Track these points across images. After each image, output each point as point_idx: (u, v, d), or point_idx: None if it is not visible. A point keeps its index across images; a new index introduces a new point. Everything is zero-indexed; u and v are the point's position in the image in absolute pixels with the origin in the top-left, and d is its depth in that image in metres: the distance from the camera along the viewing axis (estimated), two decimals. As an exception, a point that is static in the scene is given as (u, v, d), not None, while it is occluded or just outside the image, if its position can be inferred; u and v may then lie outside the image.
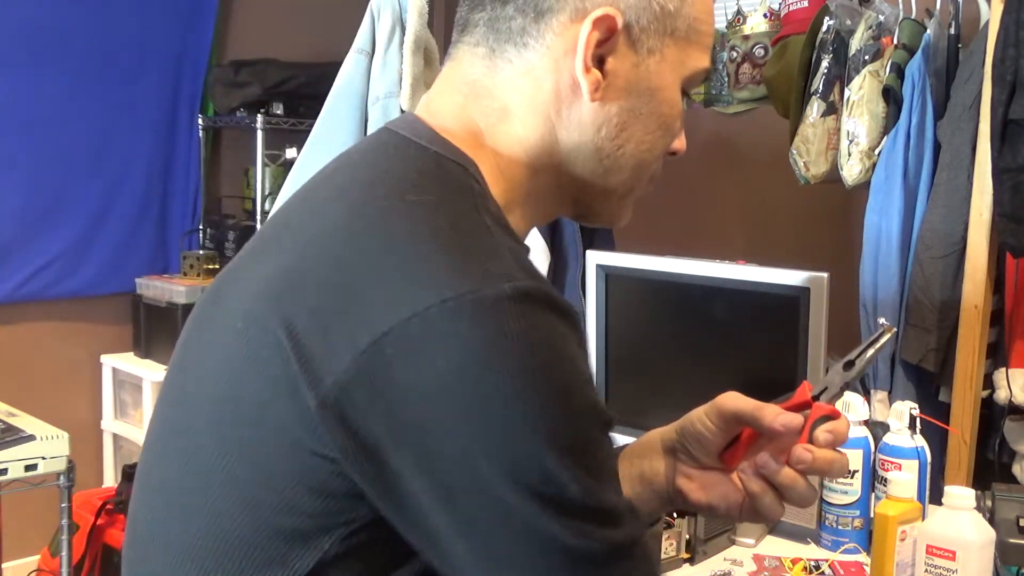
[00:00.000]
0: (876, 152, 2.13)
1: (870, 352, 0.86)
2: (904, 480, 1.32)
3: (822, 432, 0.83)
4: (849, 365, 0.86)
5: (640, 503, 0.90)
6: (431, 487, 0.61)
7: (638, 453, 0.92)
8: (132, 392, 3.22)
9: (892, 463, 1.48)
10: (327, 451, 0.62)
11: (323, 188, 0.75)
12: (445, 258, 0.64)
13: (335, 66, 2.47)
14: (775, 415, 0.84)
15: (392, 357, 0.61)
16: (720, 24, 2.82)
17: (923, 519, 1.34)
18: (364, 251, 0.66)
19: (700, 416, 0.87)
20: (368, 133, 2.20)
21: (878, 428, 1.59)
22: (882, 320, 0.97)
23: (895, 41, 2.14)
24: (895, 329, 0.86)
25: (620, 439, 1.44)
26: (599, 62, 0.76)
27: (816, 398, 0.85)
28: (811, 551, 1.53)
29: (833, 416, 0.84)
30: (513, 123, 0.78)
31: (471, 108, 0.79)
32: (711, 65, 0.83)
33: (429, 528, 0.63)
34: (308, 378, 0.63)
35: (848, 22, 2.24)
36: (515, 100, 0.78)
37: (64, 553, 2.18)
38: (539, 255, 2.22)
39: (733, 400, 0.86)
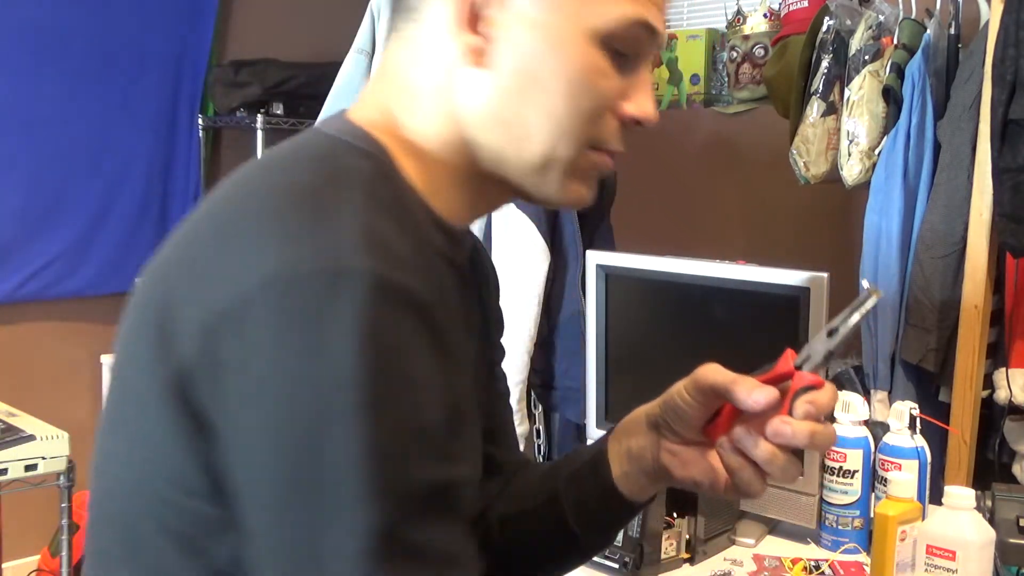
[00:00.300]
0: (876, 152, 2.13)
1: (855, 318, 0.80)
2: (904, 480, 1.32)
3: (801, 403, 0.77)
4: (833, 332, 0.80)
5: (629, 483, 0.87)
6: (241, 468, 0.61)
7: (626, 430, 0.89)
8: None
9: (892, 463, 1.48)
10: (177, 437, 0.63)
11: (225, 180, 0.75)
12: (280, 235, 0.61)
13: (335, 66, 2.47)
14: (749, 389, 0.79)
15: (222, 337, 0.60)
16: (720, 24, 2.82)
17: (923, 519, 1.34)
18: (212, 229, 0.66)
19: (680, 390, 0.84)
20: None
21: (878, 428, 1.59)
22: (865, 282, 0.86)
23: (895, 41, 2.14)
24: (881, 292, 0.80)
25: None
26: (478, 23, 0.72)
27: (799, 367, 0.80)
28: (811, 551, 1.53)
29: (816, 386, 0.78)
30: (418, 103, 0.75)
31: (386, 93, 0.77)
32: (647, 17, 0.73)
33: (242, 514, 0.62)
34: (163, 356, 0.63)
35: (848, 22, 2.24)
36: (416, 78, 0.75)
37: (64, 553, 2.18)
38: (539, 255, 2.22)
39: (711, 372, 0.82)
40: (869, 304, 0.80)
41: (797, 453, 0.79)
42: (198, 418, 0.62)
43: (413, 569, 0.61)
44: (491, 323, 0.95)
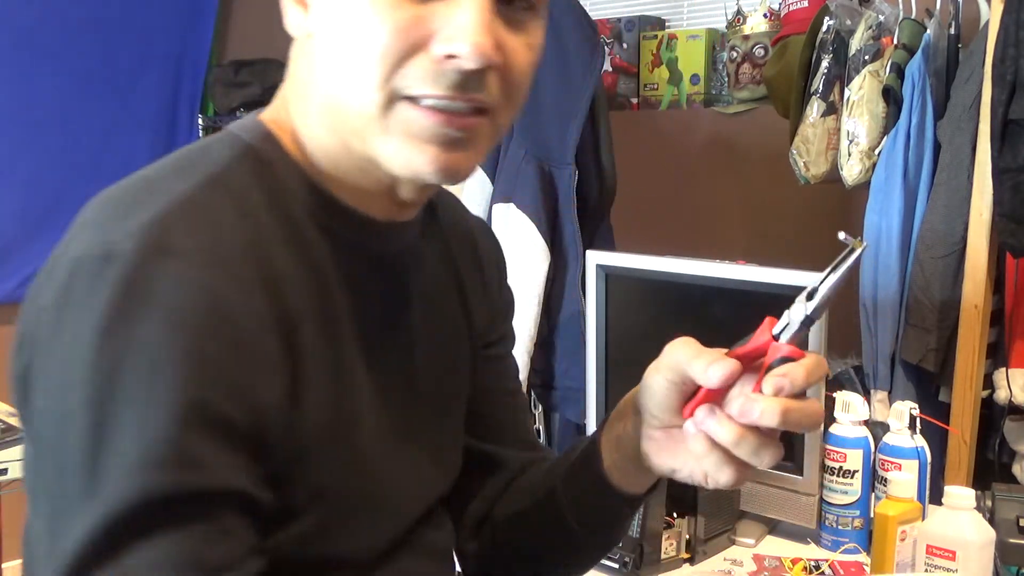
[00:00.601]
0: (876, 152, 2.13)
1: (834, 277, 0.70)
2: (904, 480, 1.32)
3: (772, 377, 0.68)
4: (813, 294, 0.71)
5: (619, 472, 0.81)
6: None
7: (617, 415, 0.83)
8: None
9: (892, 463, 1.48)
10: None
11: None
12: (89, 227, 0.65)
13: (335, 66, 2.46)
14: (706, 364, 0.70)
15: (39, 328, 0.63)
16: (720, 24, 2.82)
17: (923, 519, 1.34)
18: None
19: (651, 370, 0.76)
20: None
21: (878, 428, 1.59)
22: (841, 234, 0.71)
23: (895, 41, 2.14)
24: (866, 243, 0.70)
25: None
26: None
27: (777, 337, 0.71)
28: (811, 551, 1.53)
29: (793, 358, 0.70)
30: (295, 86, 0.74)
31: (286, 85, 0.77)
32: None
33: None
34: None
35: (848, 22, 2.24)
36: (293, 59, 0.75)
37: (64, 553, 2.18)
38: (539, 255, 2.22)
39: (676, 348, 0.73)
40: (851, 259, 0.70)
41: (787, 434, 0.70)
42: (26, 402, 0.65)
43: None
44: (483, 323, 0.91)
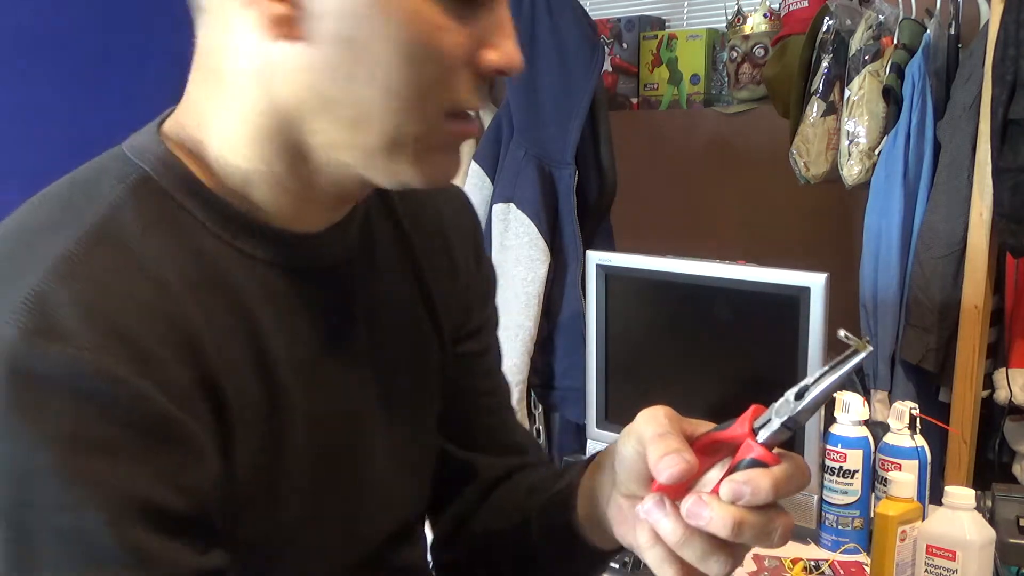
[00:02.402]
0: (876, 152, 2.13)
1: (830, 379, 0.61)
2: (904, 480, 1.32)
3: (731, 482, 0.60)
4: (802, 393, 0.62)
5: (591, 526, 0.74)
6: None
7: (598, 464, 0.75)
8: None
9: (892, 463, 1.48)
10: None
11: None
12: None
13: (335, 66, 2.46)
14: (660, 454, 0.61)
15: None
16: (720, 24, 2.82)
17: (923, 519, 1.34)
18: None
19: (624, 431, 0.67)
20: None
21: (878, 428, 1.59)
22: (842, 332, 0.61)
23: (895, 41, 2.14)
24: (871, 347, 0.60)
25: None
26: None
27: (756, 431, 0.62)
28: (811, 551, 1.53)
29: (764, 462, 0.60)
30: (226, 92, 0.64)
31: (197, 87, 0.67)
32: None
33: None
34: None
35: (848, 22, 2.24)
36: (221, 60, 0.64)
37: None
38: (539, 255, 2.22)
39: (644, 421, 0.65)
40: (853, 362, 0.61)
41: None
42: None
43: None
44: (454, 312, 0.83)
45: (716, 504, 0.60)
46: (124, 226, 0.61)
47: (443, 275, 0.83)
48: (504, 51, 0.63)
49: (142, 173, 0.65)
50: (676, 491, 0.63)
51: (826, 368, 0.61)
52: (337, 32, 0.60)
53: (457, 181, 0.75)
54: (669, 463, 0.61)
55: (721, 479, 0.61)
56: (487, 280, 0.89)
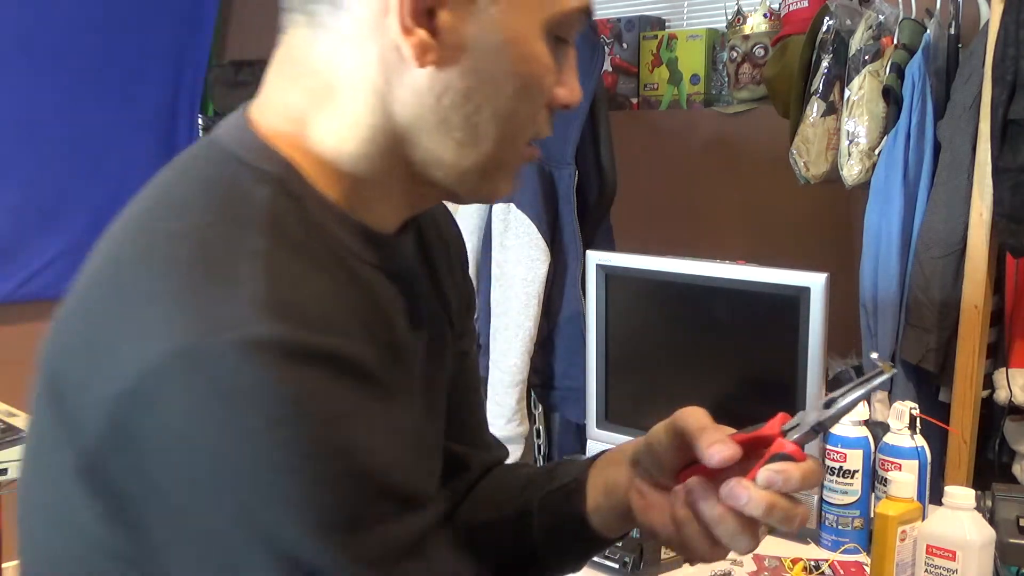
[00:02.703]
0: (876, 152, 2.13)
1: (858, 392, 0.73)
2: (904, 480, 1.32)
3: (767, 471, 0.70)
4: (830, 404, 0.74)
5: (601, 516, 0.83)
6: (184, 547, 0.58)
7: (609, 460, 0.84)
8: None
9: (892, 463, 1.48)
10: (95, 510, 0.59)
11: (123, 212, 0.68)
12: (176, 302, 0.57)
13: (335, 66, 2.46)
14: (711, 441, 0.72)
15: (133, 415, 0.56)
16: (720, 24, 2.82)
17: (923, 519, 1.34)
18: (105, 296, 0.61)
19: (658, 429, 0.77)
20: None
21: (878, 428, 1.59)
22: (875, 355, 0.79)
23: (895, 41, 2.14)
24: (895, 369, 0.75)
25: (618, 439, 1.44)
26: (427, 17, 0.64)
27: (785, 433, 0.74)
28: (811, 551, 1.53)
29: (793, 457, 0.71)
30: (339, 103, 0.67)
31: (294, 92, 0.69)
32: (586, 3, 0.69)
33: None
34: (68, 436, 0.59)
35: (848, 22, 2.24)
36: (337, 74, 0.67)
37: (64, 553, 2.18)
38: (539, 255, 2.22)
39: (686, 415, 0.75)
40: (877, 381, 0.73)
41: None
42: (118, 496, 0.58)
43: None
44: (455, 312, 0.88)
45: (752, 488, 0.69)
46: (287, 229, 0.63)
47: (448, 277, 0.87)
48: (571, 88, 0.72)
49: (274, 179, 0.66)
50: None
51: (853, 384, 0.73)
52: (466, 62, 0.66)
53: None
54: (719, 449, 0.71)
55: (755, 469, 0.71)
56: (471, 284, 0.96)
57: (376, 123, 0.67)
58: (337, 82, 0.67)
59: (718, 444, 0.71)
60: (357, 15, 0.65)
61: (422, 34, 0.64)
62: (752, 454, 0.73)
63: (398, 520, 0.59)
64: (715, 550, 0.74)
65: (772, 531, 1.32)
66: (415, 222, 0.79)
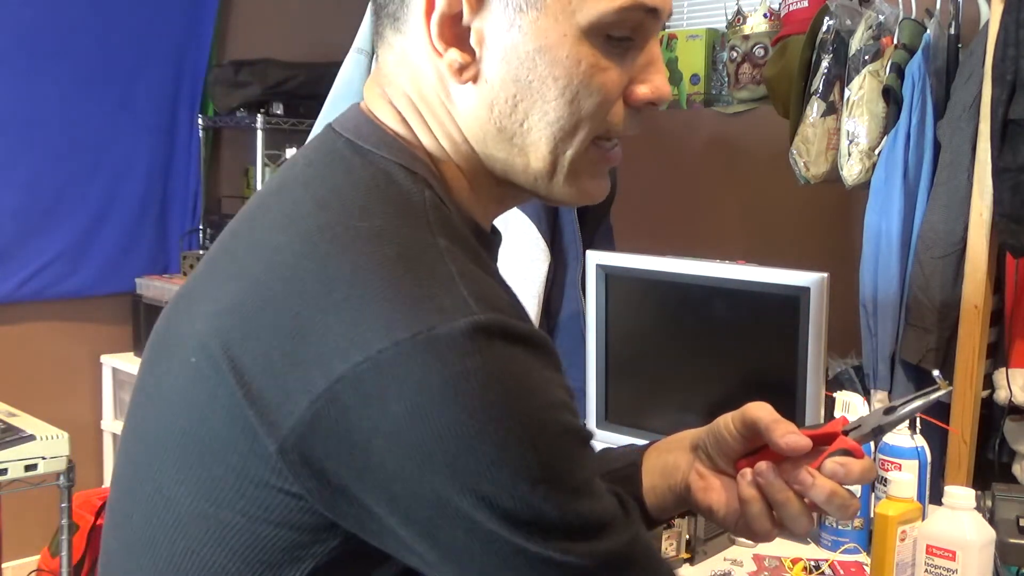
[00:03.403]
0: (876, 152, 2.13)
1: (916, 403, 0.83)
2: (904, 480, 1.32)
3: (832, 461, 0.79)
4: (891, 411, 0.83)
5: (656, 497, 0.89)
6: (408, 524, 0.61)
7: (667, 447, 0.90)
8: (132, 392, 3.22)
9: (892, 463, 1.48)
10: (294, 489, 0.62)
11: (271, 210, 0.71)
12: (394, 295, 0.61)
13: (335, 66, 2.46)
14: (785, 431, 0.80)
15: (348, 403, 0.59)
16: (720, 24, 2.82)
17: (923, 519, 1.34)
18: (309, 290, 0.63)
19: (727, 418, 0.85)
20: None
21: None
22: (936, 373, 0.89)
23: (895, 41, 2.14)
24: (951, 387, 0.84)
25: (618, 439, 1.44)
26: (465, 35, 0.69)
27: (846, 433, 0.83)
28: (811, 551, 1.53)
29: (854, 453, 0.80)
30: (427, 115, 0.73)
31: (398, 103, 0.74)
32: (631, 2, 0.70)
33: (416, 555, 0.63)
34: (264, 424, 0.61)
35: (848, 22, 2.24)
36: (418, 91, 0.73)
37: (64, 553, 2.18)
38: (539, 255, 2.22)
39: (758, 408, 0.83)
40: (935, 395, 0.83)
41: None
42: (320, 477, 0.61)
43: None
44: None
45: (818, 476, 0.79)
46: (449, 226, 0.68)
47: None
48: (654, 85, 0.73)
49: (424, 182, 0.71)
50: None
51: (912, 395, 0.84)
52: (507, 75, 0.70)
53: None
54: (794, 439, 0.80)
55: (818, 460, 0.80)
56: None
57: (452, 135, 0.73)
58: (418, 97, 0.73)
59: (792, 435, 0.80)
60: (413, 38, 0.72)
61: (454, 53, 0.69)
62: (812, 450, 0.81)
63: (590, 456, 0.67)
64: (772, 530, 0.82)
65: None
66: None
